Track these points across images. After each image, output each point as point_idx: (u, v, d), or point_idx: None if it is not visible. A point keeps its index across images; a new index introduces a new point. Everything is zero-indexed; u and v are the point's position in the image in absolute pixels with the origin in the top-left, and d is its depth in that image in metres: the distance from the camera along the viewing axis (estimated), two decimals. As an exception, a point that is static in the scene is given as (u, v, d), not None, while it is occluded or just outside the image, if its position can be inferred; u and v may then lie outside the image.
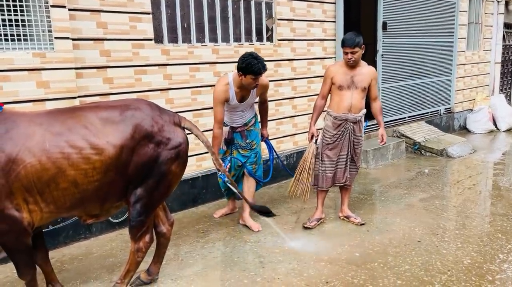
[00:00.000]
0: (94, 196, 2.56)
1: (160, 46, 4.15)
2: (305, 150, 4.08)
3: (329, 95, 3.96)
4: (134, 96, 3.96)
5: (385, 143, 4.05)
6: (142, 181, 2.65)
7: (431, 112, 7.75)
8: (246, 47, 4.83)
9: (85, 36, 3.65)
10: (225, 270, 3.26)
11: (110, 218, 3.85)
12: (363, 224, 4.01)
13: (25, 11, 3.25)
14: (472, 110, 8.58)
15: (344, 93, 3.82)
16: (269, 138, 4.28)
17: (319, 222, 4.04)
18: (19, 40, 3.26)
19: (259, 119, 4.05)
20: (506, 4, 9.07)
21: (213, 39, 4.59)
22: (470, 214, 4.24)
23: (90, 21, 3.66)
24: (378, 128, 4.05)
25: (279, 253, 3.51)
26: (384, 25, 6.42)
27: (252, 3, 4.88)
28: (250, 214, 4.02)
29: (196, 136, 2.90)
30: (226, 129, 3.81)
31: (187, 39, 4.38)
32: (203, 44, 4.49)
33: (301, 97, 5.49)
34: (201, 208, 4.54)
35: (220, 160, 3.62)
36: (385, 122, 6.74)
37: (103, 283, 3.09)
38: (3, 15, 3.16)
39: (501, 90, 9.72)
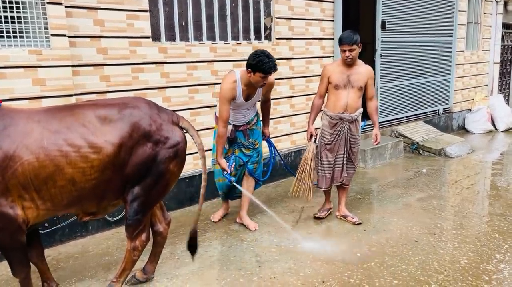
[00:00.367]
0: (92, 194, 2.55)
1: (157, 44, 4.14)
2: (303, 149, 4.09)
3: (326, 94, 3.96)
4: (131, 94, 3.95)
5: (378, 143, 4.04)
6: (140, 180, 2.64)
7: (429, 111, 7.75)
8: (244, 46, 4.82)
9: (81, 33, 3.63)
10: (221, 269, 3.25)
11: (106, 217, 3.84)
12: (360, 223, 4.01)
13: (21, 8, 3.23)
14: (470, 110, 8.58)
15: (340, 92, 3.82)
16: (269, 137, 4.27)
17: (329, 212, 4.21)
18: (15, 37, 3.25)
19: (260, 118, 4.03)
20: (505, 4, 9.07)
21: (211, 37, 4.57)
22: (468, 214, 4.24)
23: (87, 18, 3.64)
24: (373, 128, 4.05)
25: (275, 252, 3.50)
26: (383, 24, 6.40)
27: (250, 1, 4.86)
28: (247, 213, 4.01)
29: (192, 136, 2.89)
30: (229, 127, 3.77)
31: (184, 37, 4.36)
32: (200, 42, 4.48)
33: (299, 96, 5.48)
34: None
35: (223, 160, 3.60)
36: (383, 122, 6.82)
37: (99, 281, 3.08)
38: (-1, 11, 3.15)
39: (500, 90, 9.72)
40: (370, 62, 6.44)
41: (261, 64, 3.36)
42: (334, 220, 4.14)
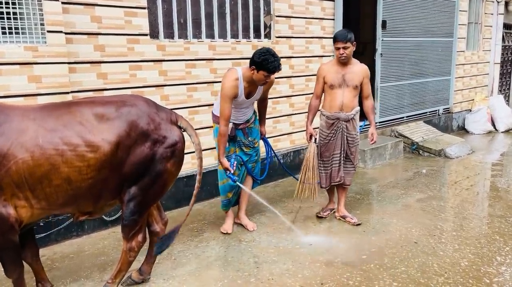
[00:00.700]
0: (88, 194, 2.51)
1: (155, 42, 4.09)
2: (302, 149, 4.06)
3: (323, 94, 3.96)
4: (128, 92, 3.90)
5: (375, 142, 4.02)
6: (137, 180, 2.60)
7: (429, 112, 7.71)
8: (243, 44, 4.77)
9: (78, 30, 3.58)
10: (219, 270, 3.21)
11: (103, 216, 3.79)
12: (359, 224, 3.97)
13: (17, 3, 3.19)
14: (470, 110, 8.54)
15: (336, 92, 3.82)
16: (266, 136, 4.22)
17: (332, 212, 4.20)
18: (10, 33, 3.20)
19: (257, 117, 3.98)
20: (506, 4, 9.03)
21: (210, 35, 4.53)
22: (468, 216, 4.20)
23: (84, 15, 3.59)
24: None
25: (274, 253, 3.46)
26: (384, 24, 6.36)
27: (250, -1, 4.82)
28: (245, 213, 3.97)
29: (190, 136, 2.84)
30: (229, 125, 3.72)
31: (183, 35, 4.32)
32: (199, 40, 4.43)
33: (299, 95, 5.44)
34: (196, 206, 4.47)
35: (225, 159, 3.55)
36: (383, 122, 6.78)
37: (94, 282, 3.03)
38: (-6, 7, 3.10)
39: (500, 90, 9.68)
40: (371, 61, 6.41)
41: (266, 63, 3.32)
42: (334, 220, 4.10)
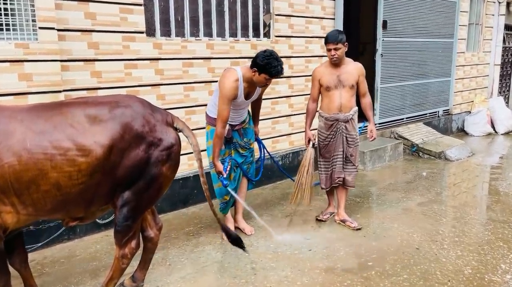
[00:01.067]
0: (79, 199, 2.39)
1: (152, 40, 3.98)
2: (301, 150, 3.98)
3: (320, 96, 3.91)
4: (123, 91, 3.79)
5: (374, 139, 3.97)
6: (131, 184, 2.48)
7: (429, 113, 7.63)
8: (242, 43, 4.67)
9: (72, 27, 3.46)
10: (215, 277, 3.11)
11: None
12: (359, 229, 3.88)
13: (7, -2, 3.06)
14: (470, 112, 8.47)
15: (333, 93, 3.79)
16: (264, 137, 4.13)
17: (331, 215, 4.11)
18: (1, 29, 3.08)
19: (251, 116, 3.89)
20: (508, 5, 8.95)
21: (208, 34, 4.42)
22: (470, 220, 4.11)
23: (78, 11, 3.48)
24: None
25: (272, 259, 3.36)
26: (384, 24, 6.27)
27: (249, -3, 4.71)
28: (243, 217, 3.87)
29: (187, 137, 2.74)
30: (226, 127, 3.63)
31: (180, 33, 4.20)
32: (197, 38, 4.32)
33: (298, 95, 5.33)
34: (192, 209, 4.38)
35: (219, 162, 3.44)
36: (383, 123, 6.69)
37: (85, 289, 2.93)
38: (-17, 2, 2.98)
39: (500, 92, 9.61)
40: (371, 62, 6.32)
41: (270, 67, 3.24)
42: (333, 224, 4.01)
